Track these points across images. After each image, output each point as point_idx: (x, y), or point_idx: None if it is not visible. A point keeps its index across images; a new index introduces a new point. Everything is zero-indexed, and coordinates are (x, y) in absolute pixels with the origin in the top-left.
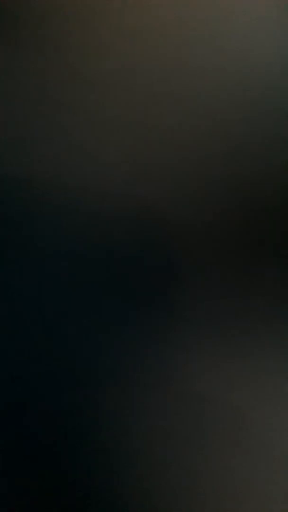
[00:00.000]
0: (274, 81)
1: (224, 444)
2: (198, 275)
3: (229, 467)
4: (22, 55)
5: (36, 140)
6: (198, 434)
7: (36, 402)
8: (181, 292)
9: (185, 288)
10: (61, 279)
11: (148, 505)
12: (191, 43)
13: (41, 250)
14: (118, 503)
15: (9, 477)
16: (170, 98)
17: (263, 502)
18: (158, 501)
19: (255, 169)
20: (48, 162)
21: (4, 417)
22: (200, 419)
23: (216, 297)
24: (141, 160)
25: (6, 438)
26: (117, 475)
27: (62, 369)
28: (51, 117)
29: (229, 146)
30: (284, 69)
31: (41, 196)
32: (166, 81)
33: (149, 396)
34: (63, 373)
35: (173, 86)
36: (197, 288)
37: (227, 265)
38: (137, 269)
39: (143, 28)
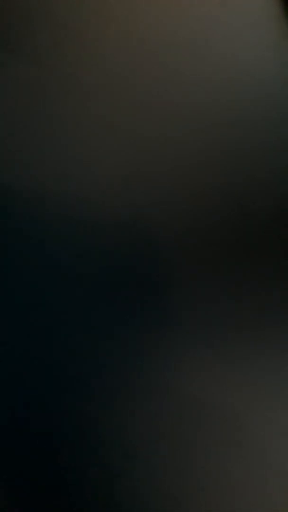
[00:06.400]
0: (272, 88)
1: (222, 448)
2: (195, 281)
3: (226, 471)
4: (19, 64)
5: (32, 149)
6: (196, 438)
7: (32, 405)
8: (177, 297)
9: (181, 294)
10: (57, 283)
11: (145, 507)
12: (188, 52)
13: (38, 254)
14: (115, 506)
15: (8, 480)
16: (166, 108)
17: (260, 506)
18: (155, 503)
19: (251, 176)
20: (44, 170)
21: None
22: (198, 423)
23: (212, 302)
24: (136, 169)
25: (2, 441)
26: (115, 478)
27: (58, 373)
28: (48, 126)
29: (225, 155)
30: (283, 76)
31: (39, 203)
32: (162, 91)
33: (146, 400)
34: (60, 377)
35: (169, 96)
36: (193, 294)
37: (223, 270)
38: (134, 275)
39: (141, 37)
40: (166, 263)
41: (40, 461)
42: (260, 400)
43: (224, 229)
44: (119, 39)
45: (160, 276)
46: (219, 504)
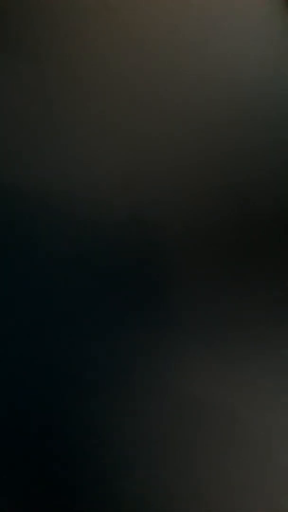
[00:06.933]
0: (272, 88)
1: (222, 448)
2: (196, 281)
3: (226, 470)
4: (19, 64)
5: (32, 149)
6: (196, 438)
7: (32, 404)
8: (177, 297)
9: (181, 294)
10: (57, 282)
11: (145, 507)
12: (188, 52)
13: (38, 253)
14: (115, 506)
15: (8, 480)
16: (166, 107)
17: (260, 506)
18: (155, 503)
19: (251, 176)
20: (43, 170)
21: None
22: (198, 423)
23: (212, 302)
24: (136, 168)
25: (3, 440)
26: (115, 478)
27: (58, 373)
28: (48, 125)
29: (225, 154)
30: (283, 76)
31: (40, 202)
32: (162, 90)
33: (146, 400)
34: (60, 377)
35: (169, 95)
36: (193, 294)
37: (224, 270)
38: (134, 275)
39: (141, 37)
40: (166, 263)
41: (40, 461)
42: (260, 400)
43: (224, 229)
44: (119, 38)
45: (160, 276)
46: (219, 504)
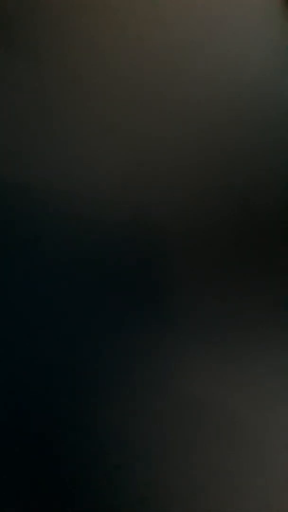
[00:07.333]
0: (272, 88)
1: (222, 449)
2: (196, 281)
3: (226, 470)
4: (20, 64)
5: (32, 148)
6: (196, 438)
7: (35, 404)
8: (178, 297)
9: (181, 294)
10: (58, 282)
11: (145, 507)
12: (188, 53)
13: (40, 254)
14: (116, 505)
15: (7, 483)
16: (166, 107)
17: (259, 504)
18: (156, 503)
19: (251, 176)
20: (46, 169)
21: (1, 421)
22: (198, 424)
23: (213, 302)
24: (136, 168)
25: (3, 442)
26: (115, 477)
27: (60, 373)
28: (48, 125)
29: (225, 154)
30: (282, 74)
31: (41, 202)
32: (163, 90)
33: (146, 400)
34: (61, 377)
35: (170, 95)
36: (194, 294)
37: (225, 269)
38: (134, 275)
39: (141, 37)
40: (166, 263)
41: (40, 461)
42: (260, 400)
43: (224, 229)
44: (119, 38)
45: (160, 276)
46: (219, 504)
